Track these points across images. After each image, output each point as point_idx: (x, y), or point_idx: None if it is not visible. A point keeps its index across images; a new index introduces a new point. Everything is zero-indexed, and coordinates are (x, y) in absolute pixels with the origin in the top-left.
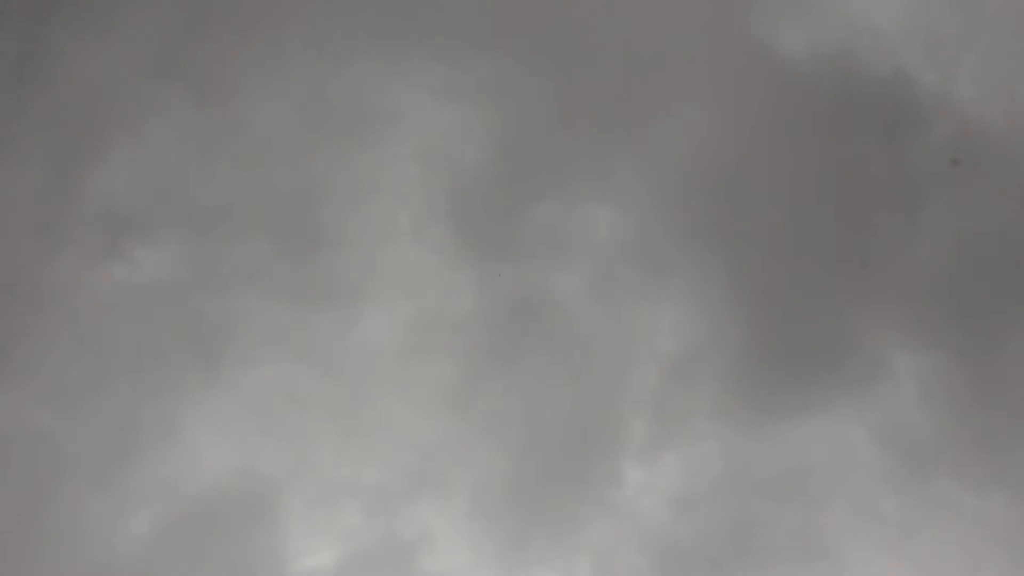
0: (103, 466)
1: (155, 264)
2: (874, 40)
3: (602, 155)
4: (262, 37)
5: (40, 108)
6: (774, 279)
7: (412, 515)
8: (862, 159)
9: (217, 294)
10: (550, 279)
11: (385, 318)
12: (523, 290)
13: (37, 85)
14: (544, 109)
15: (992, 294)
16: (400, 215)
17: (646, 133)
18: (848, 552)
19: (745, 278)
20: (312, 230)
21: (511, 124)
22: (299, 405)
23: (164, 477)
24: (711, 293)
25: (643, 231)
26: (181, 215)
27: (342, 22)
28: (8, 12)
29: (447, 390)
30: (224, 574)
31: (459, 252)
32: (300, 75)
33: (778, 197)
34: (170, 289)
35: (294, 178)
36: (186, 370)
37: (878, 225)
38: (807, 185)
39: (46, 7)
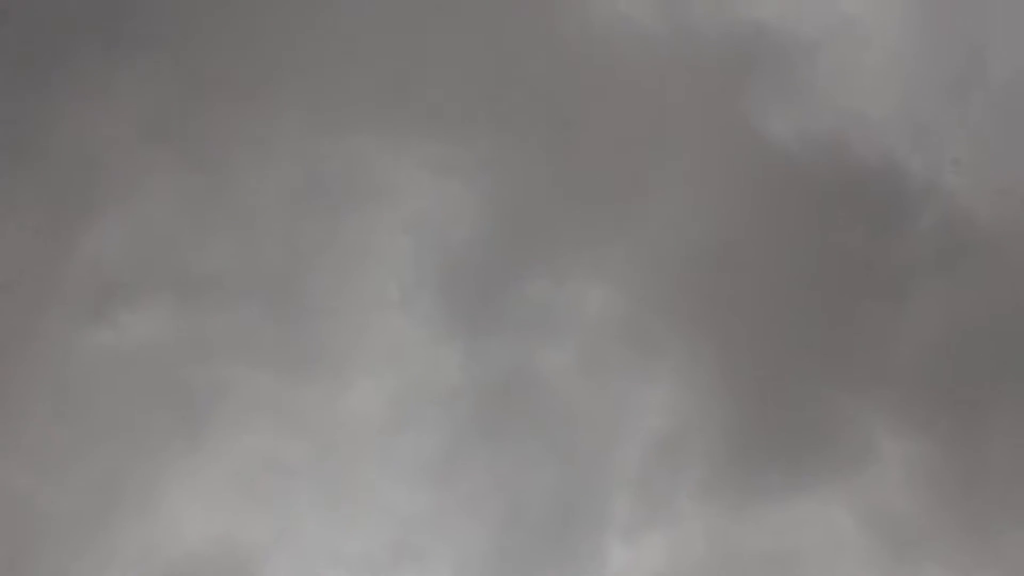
0: (84, 530)
1: (142, 329)
2: (864, 128)
3: (594, 233)
4: (259, 106)
5: (34, 169)
6: (763, 361)
7: None
8: (851, 245)
9: (203, 361)
10: (538, 354)
11: (372, 389)
12: (511, 365)
13: (33, 146)
14: (537, 185)
15: (979, 381)
16: (390, 286)
17: (638, 213)
18: None
19: (734, 359)
20: (301, 299)
21: (504, 199)
22: (283, 474)
23: (146, 543)
24: (699, 373)
25: (633, 310)
26: (170, 281)
27: (339, 94)
28: (6, 73)
29: (432, 463)
30: None
31: (448, 325)
32: (295, 145)
33: (768, 280)
34: (156, 355)
35: (285, 247)
36: (170, 436)
37: (867, 311)
38: (797, 269)
39: (44, 70)
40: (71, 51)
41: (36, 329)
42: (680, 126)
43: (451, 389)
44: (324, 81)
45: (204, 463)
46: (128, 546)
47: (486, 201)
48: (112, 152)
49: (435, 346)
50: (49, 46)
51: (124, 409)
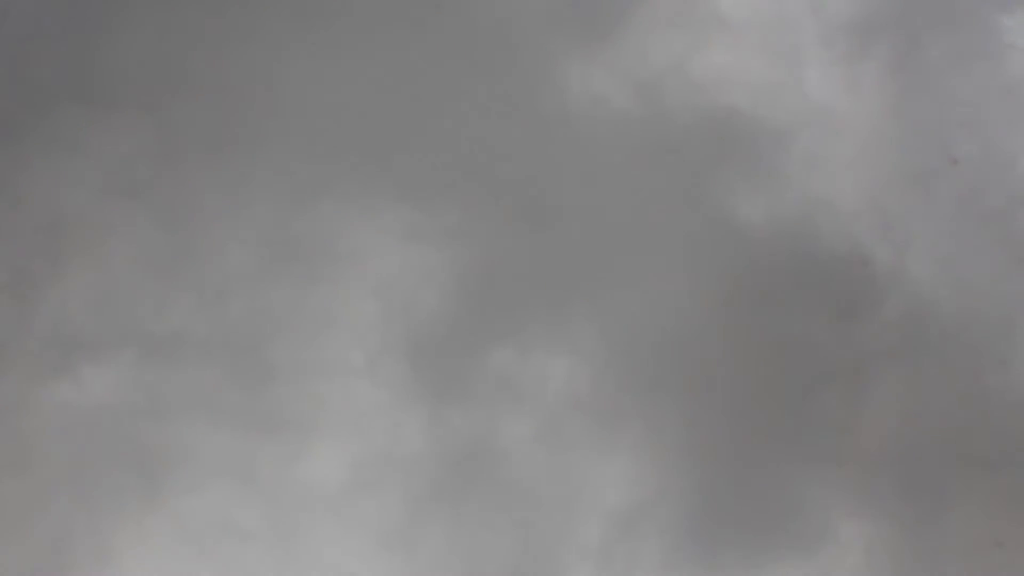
0: None
1: (102, 385)
2: (832, 216)
3: (560, 307)
4: (230, 165)
5: (0, 222)
6: (724, 440)
7: None
8: (815, 331)
9: (163, 420)
10: (501, 425)
11: (332, 454)
12: (473, 434)
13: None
14: (506, 258)
15: (937, 467)
16: (354, 352)
17: (605, 290)
18: None
19: (696, 437)
20: (265, 361)
21: (472, 269)
22: (239, 537)
23: None
24: (661, 450)
25: (596, 385)
26: (133, 338)
27: (311, 157)
28: None
29: (390, 531)
30: None
31: (411, 392)
32: (265, 207)
33: (731, 361)
34: (116, 412)
35: (251, 309)
36: (126, 495)
37: (828, 395)
38: (762, 352)
39: (15, 122)
40: (43, 104)
41: None
42: (650, 207)
43: (412, 456)
44: (297, 143)
45: (160, 524)
46: None
47: (454, 270)
48: (80, 207)
49: (398, 413)
50: (20, 98)
51: (81, 466)
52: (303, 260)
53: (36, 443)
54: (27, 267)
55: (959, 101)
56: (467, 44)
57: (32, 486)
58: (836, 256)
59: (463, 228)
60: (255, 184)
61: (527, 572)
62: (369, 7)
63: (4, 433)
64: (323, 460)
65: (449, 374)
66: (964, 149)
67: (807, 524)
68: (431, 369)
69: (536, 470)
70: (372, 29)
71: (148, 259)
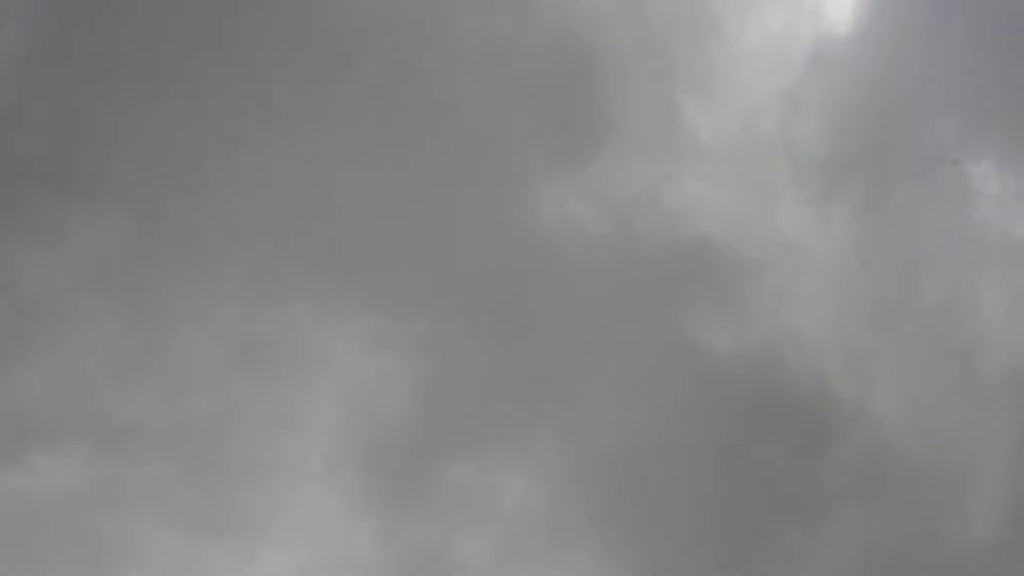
0: None
1: (56, 474)
2: (798, 349)
3: (522, 425)
4: (203, 264)
5: None
6: (681, 568)
7: None
8: (775, 463)
9: (115, 513)
10: (456, 539)
11: (283, 559)
12: (428, 547)
13: None
14: (471, 372)
15: None
16: (312, 456)
17: (568, 410)
18: None
19: (651, 564)
20: (222, 460)
21: (436, 381)
22: None
23: None
24: (615, 569)
25: (554, 504)
26: (91, 428)
27: (284, 261)
28: None
29: None
30: None
31: (367, 501)
32: (234, 306)
33: (690, 487)
34: (68, 501)
35: (212, 406)
36: None
37: (784, 528)
38: (720, 479)
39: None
40: (25, 188)
41: None
42: (617, 330)
43: (365, 566)
44: (271, 245)
45: None
46: None
47: (418, 381)
48: (51, 293)
49: (352, 521)
50: (2, 180)
51: (29, 556)
52: (268, 361)
53: None
54: None
55: (926, 243)
56: (447, 159)
57: None
58: (800, 390)
59: (430, 339)
60: (226, 282)
61: None
62: (355, 118)
63: None
64: (272, 565)
65: (407, 484)
66: (930, 292)
67: None
68: (389, 478)
69: None
70: (355, 139)
71: (113, 350)
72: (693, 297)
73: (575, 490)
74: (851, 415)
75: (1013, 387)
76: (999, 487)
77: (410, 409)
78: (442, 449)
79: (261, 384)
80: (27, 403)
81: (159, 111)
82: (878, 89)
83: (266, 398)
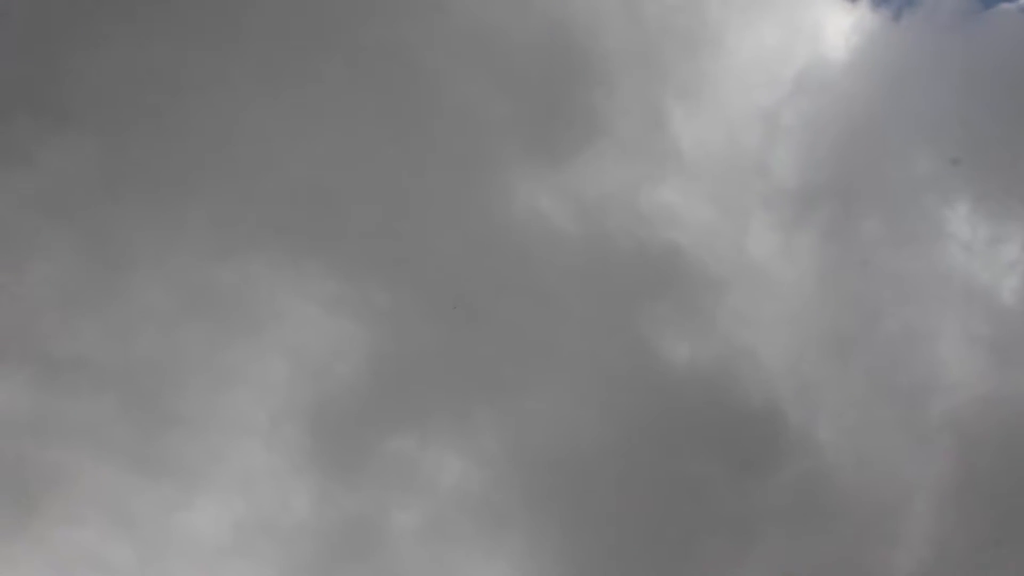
0: None
1: None
2: (749, 370)
3: (468, 406)
4: (167, 207)
5: None
6: (605, 566)
7: None
8: (714, 477)
9: (48, 444)
10: (389, 511)
11: (215, 511)
12: (360, 515)
13: None
14: (425, 348)
15: None
16: (257, 412)
17: (517, 400)
18: None
19: (577, 558)
20: (164, 405)
21: (389, 352)
22: (107, 574)
23: None
24: (542, 563)
25: (488, 487)
26: (34, 358)
27: (248, 215)
28: None
29: None
30: None
31: (306, 462)
32: (193, 253)
33: (626, 489)
34: (1, 426)
35: (160, 351)
36: None
37: (712, 544)
38: (655, 486)
39: None
40: None
41: None
42: (574, 327)
43: (296, 527)
44: (238, 197)
45: (28, 550)
46: None
47: (371, 349)
48: (7, 216)
49: (289, 480)
50: None
51: None
52: (222, 311)
53: None
54: None
55: (889, 279)
56: (425, 139)
57: None
58: (748, 409)
59: (387, 311)
60: (189, 228)
61: None
62: (337, 85)
63: None
64: (205, 515)
65: (347, 450)
66: (886, 327)
67: None
68: (330, 442)
69: (417, 561)
70: (335, 107)
71: (66, 282)
72: (655, 304)
73: (512, 477)
74: (795, 439)
75: (954, 429)
76: (929, 525)
77: (359, 376)
78: (386, 419)
79: (212, 333)
80: None
81: (142, 51)
82: (859, 119)
83: (216, 348)
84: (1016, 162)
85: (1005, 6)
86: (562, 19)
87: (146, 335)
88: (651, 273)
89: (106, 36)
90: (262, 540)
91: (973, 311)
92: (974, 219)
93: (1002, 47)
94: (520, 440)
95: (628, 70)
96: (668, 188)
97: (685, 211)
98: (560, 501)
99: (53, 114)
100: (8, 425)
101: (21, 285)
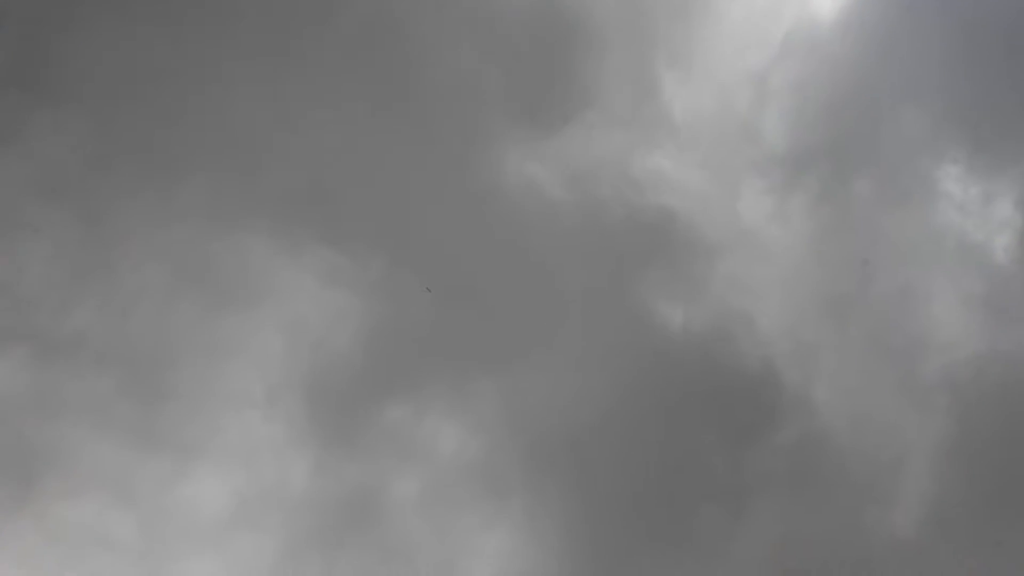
0: None
1: None
2: (745, 334)
3: (465, 375)
4: (160, 183)
5: None
6: (603, 533)
7: None
8: (711, 444)
9: (48, 421)
10: (387, 480)
11: (215, 483)
12: (359, 485)
13: None
14: (421, 318)
15: None
16: (254, 385)
17: (513, 367)
18: None
19: (576, 525)
20: (161, 379)
21: (385, 322)
22: (109, 549)
23: None
24: (541, 530)
25: (487, 455)
26: (30, 334)
27: (243, 188)
28: None
29: (264, 566)
30: None
31: (304, 433)
32: (187, 228)
33: (624, 456)
34: (1, 404)
35: (156, 325)
36: None
37: (709, 511)
38: (653, 456)
39: None
40: None
41: None
42: (569, 295)
43: (296, 498)
44: (231, 171)
45: (29, 526)
46: None
47: (367, 320)
48: (2, 193)
49: (288, 452)
50: None
51: None
52: (216, 286)
53: None
54: None
55: (882, 240)
56: (416, 110)
57: None
58: (744, 373)
59: (383, 281)
60: (182, 203)
61: None
62: (328, 60)
63: None
64: (205, 487)
65: (345, 420)
66: (880, 288)
67: None
68: (328, 413)
69: (416, 529)
70: (327, 81)
71: (60, 259)
72: (649, 269)
73: (509, 445)
74: (791, 402)
75: (950, 389)
76: (925, 485)
77: (356, 347)
78: (383, 389)
79: (208, 307)
80: None
81: (136, 30)
82: (848, 80)
83: (212, 322)
84: (1007, 120)
85: None
86: None
87: (143, 311)
88: (644, 239)
89: (97, 14)
90: (262, 511)
91: (966, 270)
92: (967, 178)
93: (991, 5)
94: (517, 406)
95: (618, 37)
96: (660, 154)
97: (677, 177)
98: (558, 467)
99: (44, 92)
100: (7, 402)
101: (16, 263)
